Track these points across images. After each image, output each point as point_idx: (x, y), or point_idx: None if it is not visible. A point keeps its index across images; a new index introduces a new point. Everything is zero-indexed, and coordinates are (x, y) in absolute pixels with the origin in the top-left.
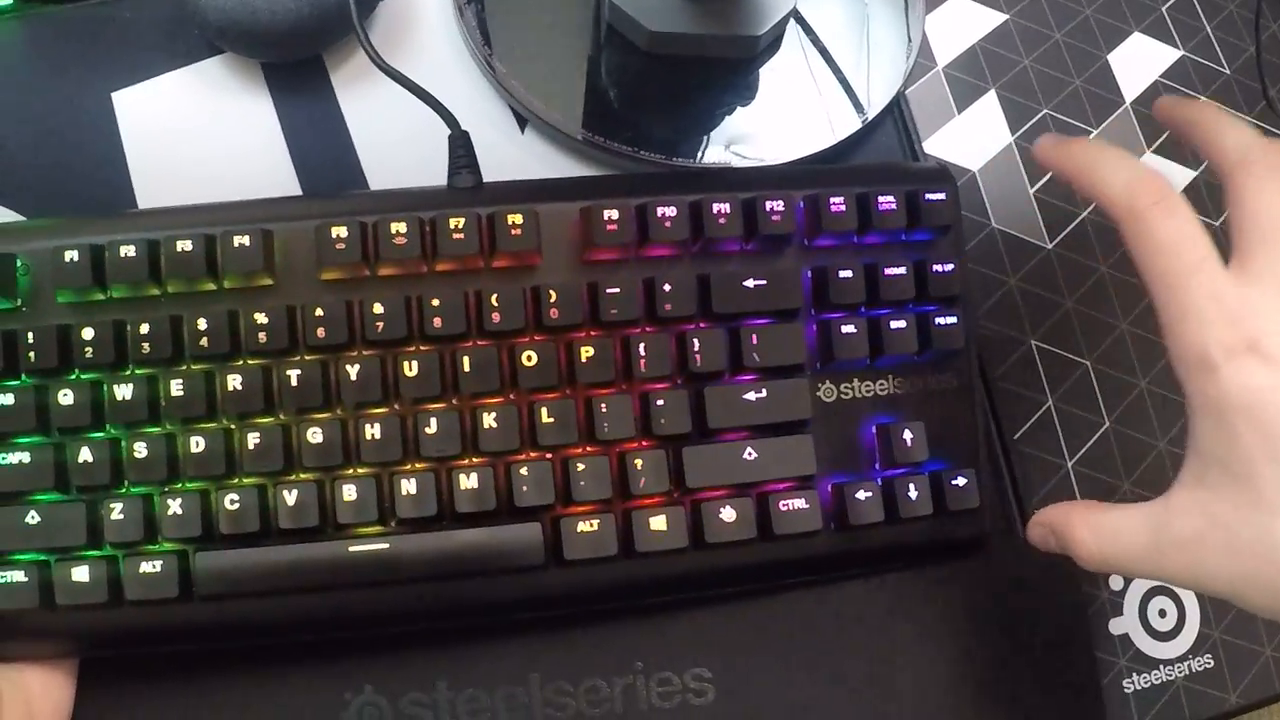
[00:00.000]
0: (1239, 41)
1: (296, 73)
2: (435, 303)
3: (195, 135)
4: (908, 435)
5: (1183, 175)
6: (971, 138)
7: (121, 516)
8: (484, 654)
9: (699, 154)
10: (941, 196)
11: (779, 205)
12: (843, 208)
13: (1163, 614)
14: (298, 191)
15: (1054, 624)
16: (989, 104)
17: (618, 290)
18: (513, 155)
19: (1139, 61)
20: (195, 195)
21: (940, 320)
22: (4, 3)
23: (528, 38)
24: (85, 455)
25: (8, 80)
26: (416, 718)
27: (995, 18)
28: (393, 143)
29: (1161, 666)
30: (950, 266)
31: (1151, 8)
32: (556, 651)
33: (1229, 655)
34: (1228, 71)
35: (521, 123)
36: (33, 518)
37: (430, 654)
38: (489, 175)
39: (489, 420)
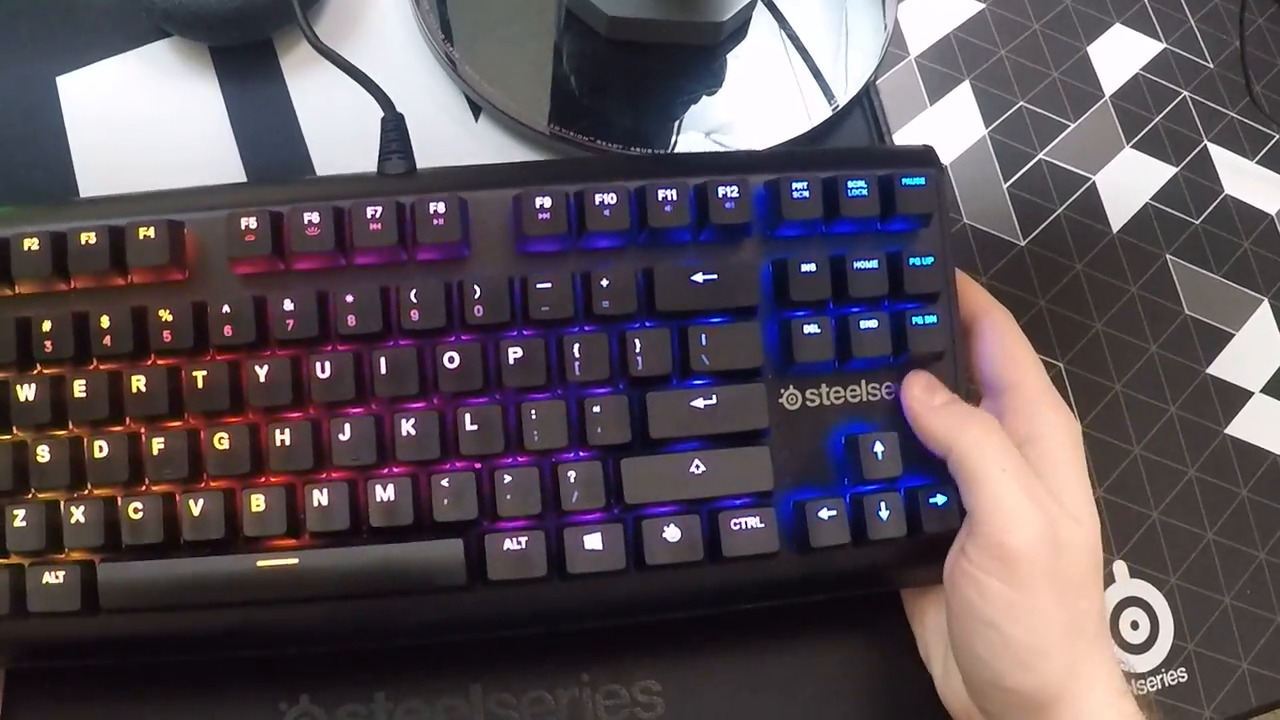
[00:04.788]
0: (1223, 35)
1: (245, 57)
2: (350, 299)
3: (141, 121)
4: (879, 447)
5: (1163, 172)
6: (944, 130)
7: (24, 524)
8: (424, 664)
9: (662, 144)
10: (920, 181)
11: (733, 191)
12: (807, 194)
13: (1135, 626)
14: (243, 179)
15: None
16: (963, 95)
17: (549, 285)
18: (468, 146)
19: (1120, 54)
20: (139, 182)
21: (919, 319)
22: None
23: (485, 25)
24: None
25: None
26: None
27: (971, 7)
28: (341, 130)
29: (1134, 680)
30: (930, 259)
31: None
32: (499, 662)
33: (1203, 669)
34: (1211, 65)
35: (476, 112)
36: None
37: (368, 664)
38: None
39: (407, 427)
